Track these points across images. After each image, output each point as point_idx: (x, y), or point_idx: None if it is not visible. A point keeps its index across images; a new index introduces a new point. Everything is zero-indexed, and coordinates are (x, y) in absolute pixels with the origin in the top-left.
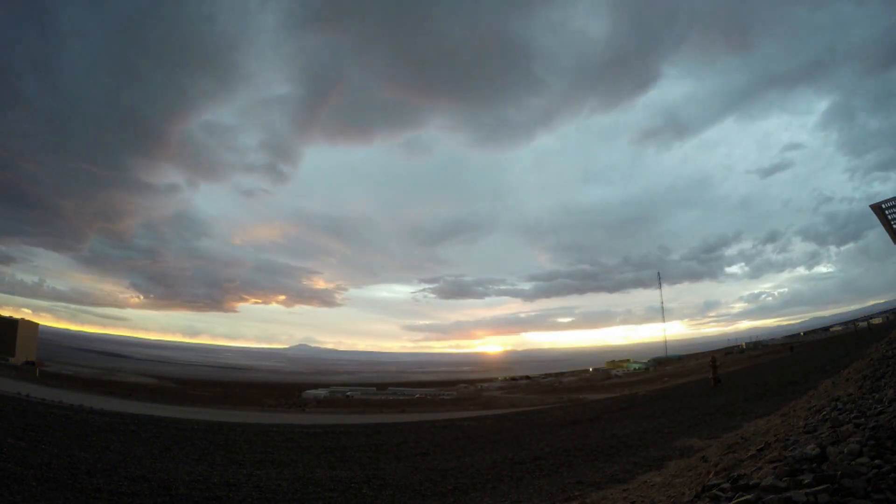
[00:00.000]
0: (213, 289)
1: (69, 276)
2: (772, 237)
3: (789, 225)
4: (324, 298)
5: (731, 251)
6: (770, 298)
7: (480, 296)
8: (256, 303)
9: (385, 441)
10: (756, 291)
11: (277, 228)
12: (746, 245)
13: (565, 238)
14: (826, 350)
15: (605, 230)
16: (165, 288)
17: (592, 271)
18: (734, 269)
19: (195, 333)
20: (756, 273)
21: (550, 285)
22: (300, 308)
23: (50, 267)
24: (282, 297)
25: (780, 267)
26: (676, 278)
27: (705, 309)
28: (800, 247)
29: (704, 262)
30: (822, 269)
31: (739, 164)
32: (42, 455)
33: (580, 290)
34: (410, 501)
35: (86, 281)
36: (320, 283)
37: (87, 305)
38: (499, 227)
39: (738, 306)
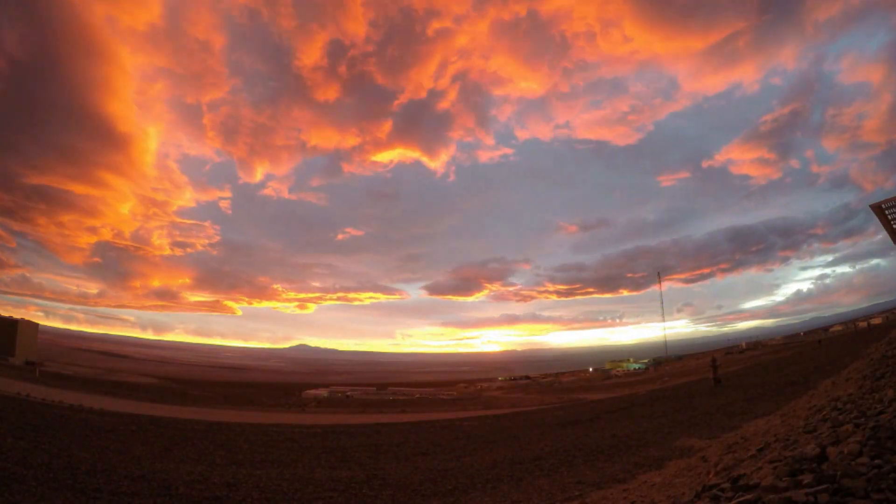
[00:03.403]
0: None
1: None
2: None
3: None
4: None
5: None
6: (829, 280)
7: (483, 292)
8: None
9: (385, 441)
10: (827, 270)
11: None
12: None
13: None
14: (827, 349)
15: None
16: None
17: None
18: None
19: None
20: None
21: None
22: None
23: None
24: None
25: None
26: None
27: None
28: None
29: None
30: None
31: None
32: (42, 455)
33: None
34: (410, 501)
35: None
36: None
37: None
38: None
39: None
